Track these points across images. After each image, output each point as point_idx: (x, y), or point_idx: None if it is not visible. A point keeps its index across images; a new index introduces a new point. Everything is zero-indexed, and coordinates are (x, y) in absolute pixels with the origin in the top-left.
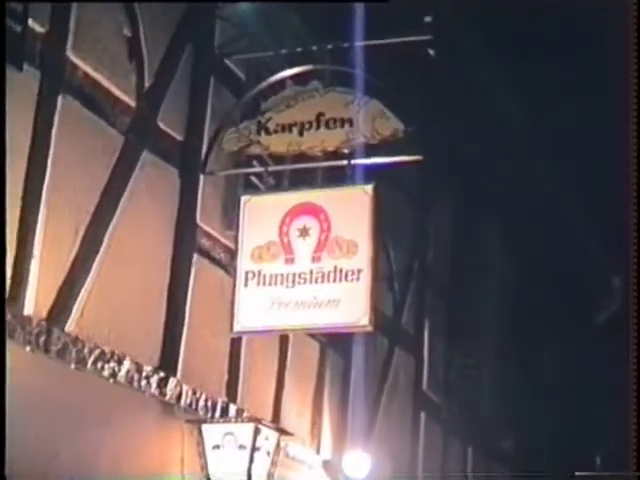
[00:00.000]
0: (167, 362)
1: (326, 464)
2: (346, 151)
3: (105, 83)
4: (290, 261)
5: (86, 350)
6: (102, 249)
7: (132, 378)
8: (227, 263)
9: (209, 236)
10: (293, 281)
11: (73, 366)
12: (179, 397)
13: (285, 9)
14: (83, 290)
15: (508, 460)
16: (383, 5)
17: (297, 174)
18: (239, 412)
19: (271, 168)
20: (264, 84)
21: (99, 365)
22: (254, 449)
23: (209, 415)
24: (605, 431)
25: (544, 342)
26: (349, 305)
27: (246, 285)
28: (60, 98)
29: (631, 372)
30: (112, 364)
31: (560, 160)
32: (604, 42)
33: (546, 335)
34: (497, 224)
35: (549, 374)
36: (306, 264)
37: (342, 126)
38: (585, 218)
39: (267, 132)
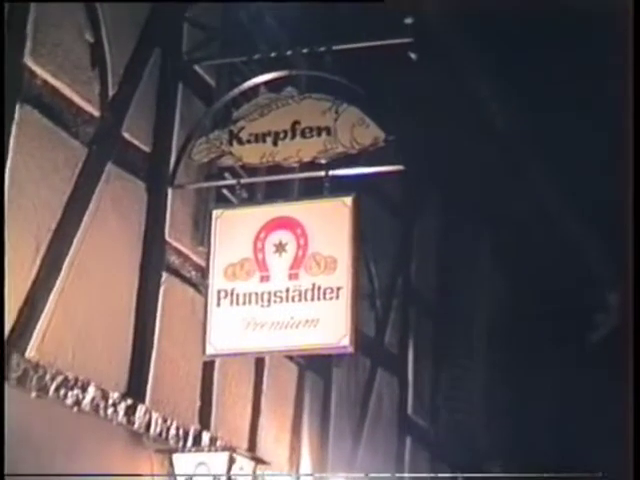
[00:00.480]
0: (135, 388)
1: None
2: (324, 161)
3: (66, 91)
4: (265, 279)
5: (48, 377)
6: (65, 268)
7: (97, 406)
8: (198, 282)
9: (179, 253)
10: (269, 300)
11: (34, 394)
12: (148, 425)
13: (258, 11)
14: (44, 312)
15: None
16: (361, 6)
17: (272, 186)
18: (212, 440)
19: (244, 180)
20: (236, 91)
21: (62, 392)
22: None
23: (180, 444)
24: (601, 454)
25: (536, 362)
26: (328, 325)
27: (219, 305)
28: (18, 107)
29: (629, 393)
30: (76, 391)
31: (552, 167)
32: (592, 39)
33: (538, 355)
34: (486, 237)
35: (543, 395)
36: (282, 282)
37: (319, 135)
38: (578, 230)
39: (239, 142)
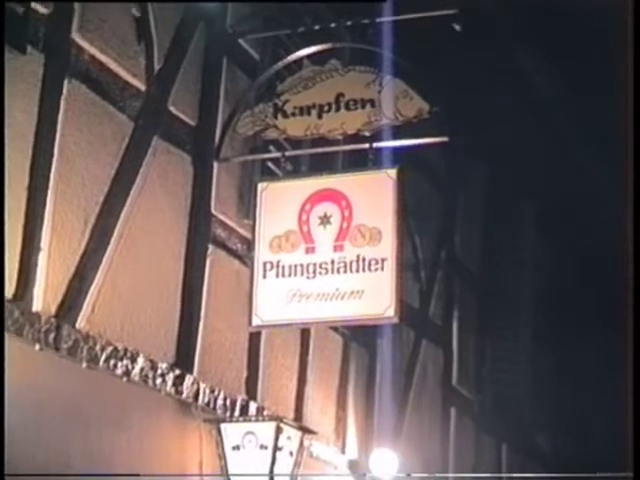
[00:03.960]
0: (183, 359)
1: (352, 464)
2: (368, 134)
3: (113, 66)
4: (310, 251)
5: (98, 347)
6: (113, 241)
7: (146, 376)
8: (244, 254)
9: (225, 226)
10: (314, 272)
11: (84, 364)
12: (196, 395)
13: None
14: (94, 284)
15: (545, 458)
16: None
17: (316, 159)
18: (259, 410)
19: (289, 153)
20: (280, 64)
21: (112, 363)
22: (276, 449)
23: (228, 414)
24: None
25: (581, 332)
26: (373, 296)
27: (264, 277)
28: (66, 82)
29: None
30: (125, 362)
31: (593, 139)
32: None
33: (583, 325)
34: (530, 207)
35: (588, 365)
36: (327, 254)
37: (363, 107)
38: (619, 201)
39: (284, 115)
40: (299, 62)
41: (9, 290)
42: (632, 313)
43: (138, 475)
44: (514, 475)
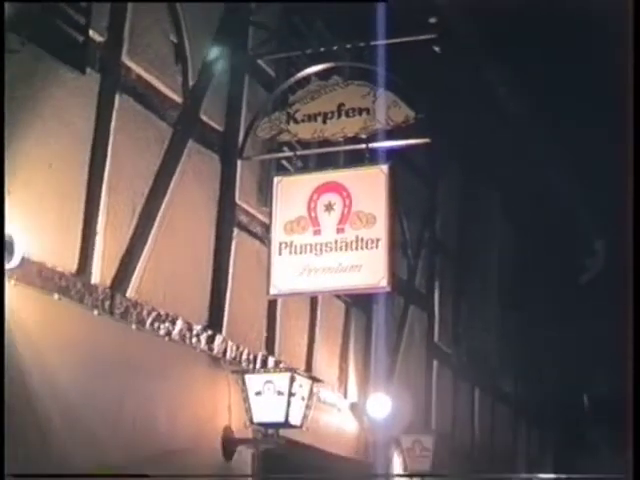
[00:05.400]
0: (214, 321)
1: (353, 406)
2: (364, 136)
3: (155, 83)
4: (317, 233)
5: (144, 312)
6: (156, 225)
7: (184, 336)
8: (263, 235)
9: (247, 213)
10: (320, 250)
11: (134, 326)
12: (225, 352)
13: (309, 14)
14: (141, 261)
15: (509, 400)
16: (394, 8)
17: (322, 157)
18: (277, 363)
19: (299, 152)
20: (292, 80)
21: (156, 325)
22: (290, 395)
23: (251, 366)
24: (593, 375)
25: (538, 297)
26: (370, 270)
27: (280, 254)
28: (117, 97)
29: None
30: (167, 324)
31: (550, 141)
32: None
33: (540, 292)
34: (497, 197)
35: (544, 324)
36: (331, 235)
37: (360, 115)
38: (572, 193)
39: (295, 121)
40: (307, 78)
41: (72, 266)
42: (632, 314)
43: (147, 476)
44: (514, 475)
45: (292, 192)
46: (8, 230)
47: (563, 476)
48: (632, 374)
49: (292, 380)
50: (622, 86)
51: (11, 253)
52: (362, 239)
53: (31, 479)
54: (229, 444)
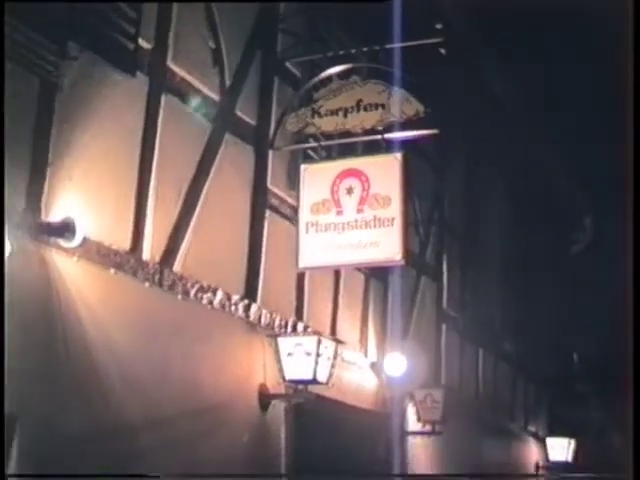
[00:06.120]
0: (250, 292)
1: (372, 365)
2: (380, 128)
3: (196, 84)
4: (340, 213)
5: (189, 284)
6: (198, 208)
7: (224, 305)
8: (291, 216)
9: (277, 196)
10: (343, 228)
11: (180, 297)
12: (260, 318)
13: (330, 22)
14: (185, 239)
15: (510, 359)
16: (405, 16)
17: (343, 147)
18: (305, 328)
19: (323, 143)
20: (316, 79)
21: (199, 295)
22: (318, 355)
23: (283, 331)
24: (582, 335)
25: (535, 267)
26: (386, 246)
27: (307, 232)
28: (163, 96)
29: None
30: (209, 294)
31: (544, 130)
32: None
33: (536, 262)
34: (498, 181)
35: (541, 290)
36: (352, 215)
37: (377, 109)
38: (565, 177)
39: (319, 116)
40: (329, 77)
41: (126, 245)
42: (632, 313)
43: (147, 476)
44: (513, 475)
45: (317, 178)
46: (70, 213)
47: (564, 476)
48: (632, 374)
49: (319, 342)
50: (622, 82)
51: (73, 233)
52: (379, 218)
53: (31, 479)
54: (264, 399)
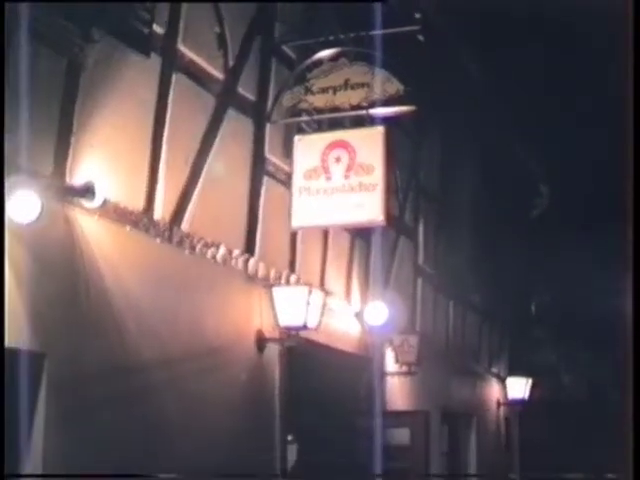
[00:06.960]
0: (249, 248)
1: (356, 313)
2: (365, 104)
3: (203, 64)
4: (329, 179)
5: (195, 240)
6: (204, 174)
7: (226, 259)
8: (286, 182)
9: (273, 164)
10: (331, 193)
11: (187, 252)
12: (257, 271)
13: (321, 11)
14: (192, 201)
15: (477, 309)
16: (389, 6)
17: (332, 121)
18: (297, 280)
19: (315, 117)
20: (309, 61)
21: (204, 250)
22: (308, 304)
23: (278, 282)
24: (538, 286)
25: (499, 228)
26: (370, 208)
27: (300, 196)
28: (174, 75)
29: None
30: (212, 250)
31: (509, 109)
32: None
33: (500, 224)
34: (467, 152)
35: (504, 248)
36: (340, 181)
37: (362, 88)
38: (524, 149)
39: (311, 93)
40: (321, 60)
41: (140, 205)
42: (633, 314)
43: (148, 476)
44: (513, 476)
45: (309, 148)
46: (91, 177)
47: (563, 476)
48: (632, 375)
49: (309, 293)
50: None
51: (94, 195)
52: (364, 184)
53: (31, 479)
54: (261, 342)
